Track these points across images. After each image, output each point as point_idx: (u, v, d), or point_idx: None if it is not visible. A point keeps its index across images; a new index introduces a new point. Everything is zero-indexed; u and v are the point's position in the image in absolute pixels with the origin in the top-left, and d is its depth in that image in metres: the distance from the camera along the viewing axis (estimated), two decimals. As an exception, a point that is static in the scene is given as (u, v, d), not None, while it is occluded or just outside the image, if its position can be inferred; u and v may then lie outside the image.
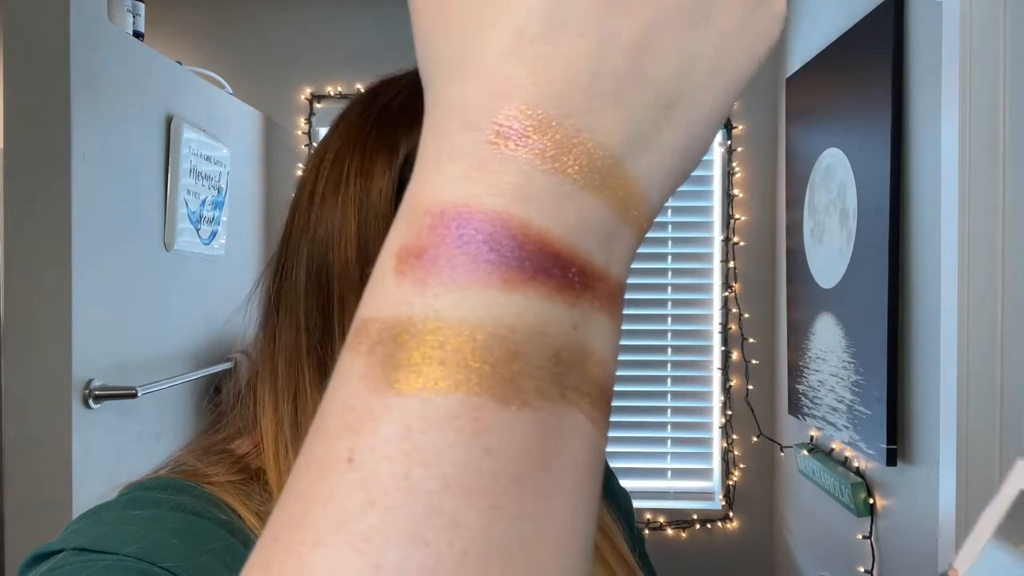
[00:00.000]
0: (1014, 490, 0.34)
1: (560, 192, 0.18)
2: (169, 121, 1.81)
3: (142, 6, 1.86)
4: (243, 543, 0.43)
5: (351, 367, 0.18)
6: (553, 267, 0.18)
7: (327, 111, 2.48)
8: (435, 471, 0.17)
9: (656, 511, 2.47)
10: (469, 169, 0.19)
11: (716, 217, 2.48)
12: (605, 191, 0.19)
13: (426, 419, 0.17)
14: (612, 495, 0.67)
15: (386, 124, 0.51)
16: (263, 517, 0.44)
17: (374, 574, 0.16)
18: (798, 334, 2.13)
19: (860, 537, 1.73)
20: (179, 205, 1.85)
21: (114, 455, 1.57)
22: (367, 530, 0.17)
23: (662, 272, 2.49)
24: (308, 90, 2.47)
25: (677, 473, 2.53)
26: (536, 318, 0.18)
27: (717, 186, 2.47)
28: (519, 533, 0.17)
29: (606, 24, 0.19)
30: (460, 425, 0.17)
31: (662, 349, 2.51)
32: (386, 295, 0.19)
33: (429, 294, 0.18)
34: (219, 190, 2.06)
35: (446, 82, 0.20)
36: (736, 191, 2.45)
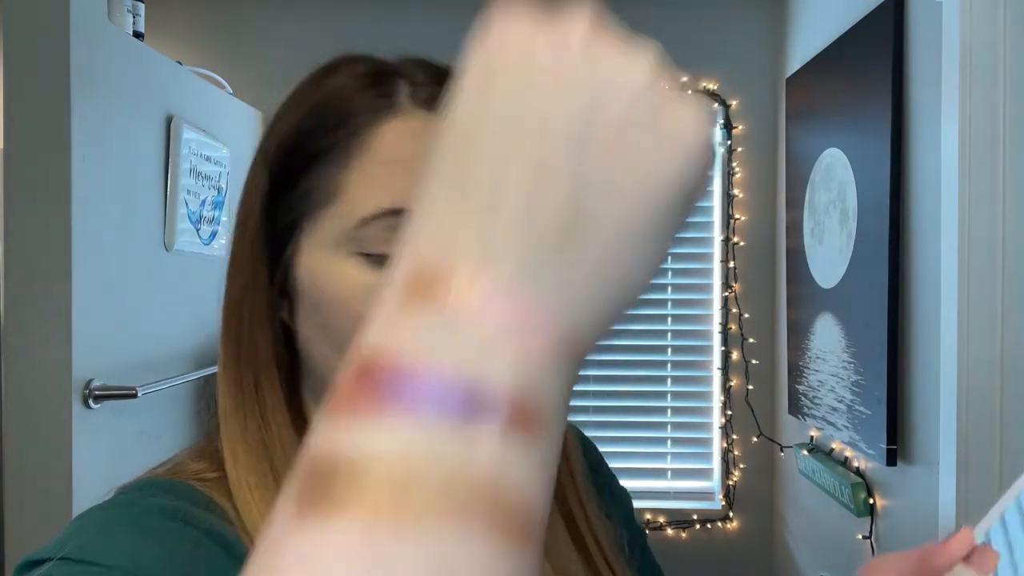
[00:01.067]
0: None
1: (451, 327, 0.20)
2: (169, 121, 1.81)
3: (142, 6, 1.86)
4: (223, 545, 0.44)
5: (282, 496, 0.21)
6: (448, 398, 0.20)
7: (327, 111, 2.48)
8: None
9: (656, 511, 2.47)
10: (382, 321, 0.21)
11: (716, 217, 2.48)
12: (501, 318, 0.21)
13: (320, 544, 0.19)
14: (611, 495, 0.67)
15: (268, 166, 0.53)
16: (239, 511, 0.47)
17: None
18: (798, 334, 2.13)
19: (860, 537, 1.73)
20: (179, 205, 1.85)
21: (114, 455, 1.57)
22: None
23: (662, 272, 2.49)
24: (308, 90, 2.47)
25: (677, 473, 2.53)
26: (431, 446, 0.19)
27: (717, 186, 2.47)
28: None
29: (499, 170, 0.22)
30: (351, 551, 0.18)
31: (662, 349, 2.51)
32: (330, 434, 0.21)
33: (347, 433, 0.20)
34: (219, 190, 2.06)
35: (421, 240, 0.23)
36: (736, 191, 2.45)
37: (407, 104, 0.49)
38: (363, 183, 0.47)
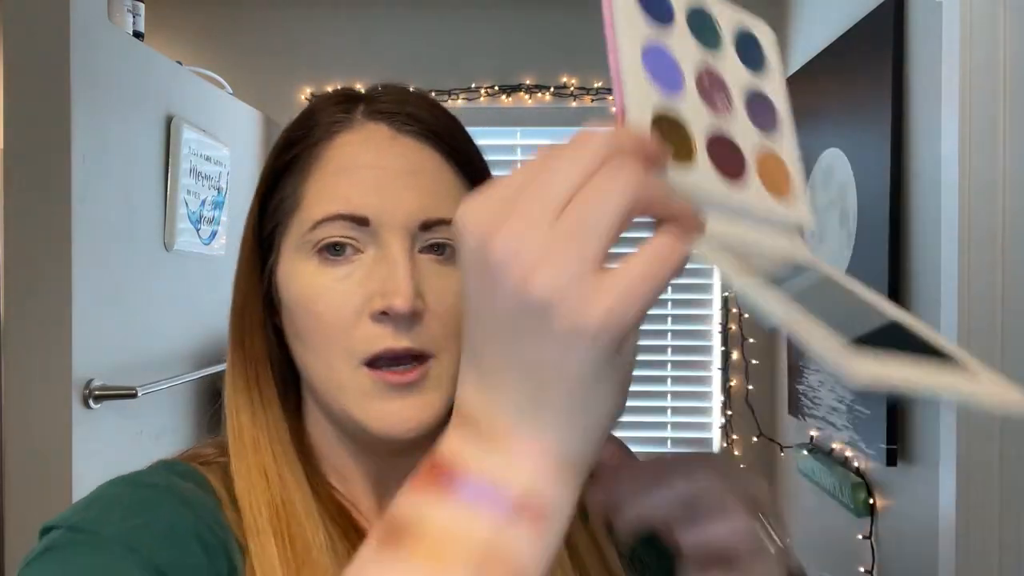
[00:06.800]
0: None
1: (489, 450, 0.31)
2: (169, 121, 1.81)
3: (142, 6, 1.86)
4: (209, 525, 0.50)
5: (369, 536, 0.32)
6: (483, 494, 0.30)
7: (327, 111, 2.48)
8: None
9: (656, 511, 2.47)
10: (451, 439, 0.33)
11: (716, 217, 2.48)
12: (519, 447, 0.31)
13: (389, 572, 0.30)
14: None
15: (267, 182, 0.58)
16: (229, 491, 0.53)
17: None
18: (798, 334, 2.12)
19: (860, 537, 1.73)
20: (179, 205, 1.85)
21: (114, 455, 1.57)
22: None
23: (662, 272, 2.49)
24: (308, 90, 2.47)
25: (677, 473, 2.52)
26: (481, 527, 0.30)
27: (717, 186, 2.47)
28: None
29: (502, 363, 0.31)
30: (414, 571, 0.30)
31: (662, 349, 2.51)
32: (410, 502, 0.32)
33: (425, 508, 0.31)
34: (219, 190, 2.06)
35: (462, 396, 0.33)
36: (736, 191, 2.45)
37: (359, 118, 0.55)
38: (317, 191, 0.53)
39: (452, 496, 0.30)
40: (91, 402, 1.48)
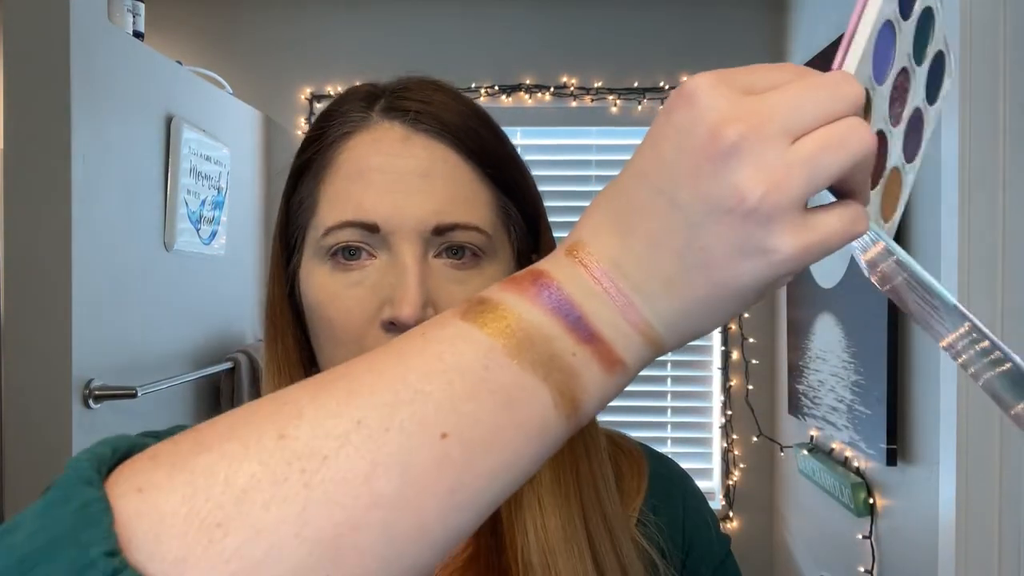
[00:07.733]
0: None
1: (577, 274, 0.32)
2: (169, 121, 1.81)
3: (142, 6, 1.86)
4: None
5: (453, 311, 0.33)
6: (570, 318, 0.31)
7: (327, 111, 2.47)
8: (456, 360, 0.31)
9: (656, 511, 2.46)
10: (557, 262, 0.33)
11: (716, 217, 2.48)
12: (605, 288, 0.32)
13: (464, 337, 0.31)
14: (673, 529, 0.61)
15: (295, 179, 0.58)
16: None
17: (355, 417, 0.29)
18: (798, 334, 2.12)
19: (860, 537, 1.73)
20: (179, 205, 1.85)
21: (114, 455, 1.57)
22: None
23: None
24: (308, 90, 2.47)
25: (677, 473, 2.52)
26: (552, 334, 0.31)
27: (717, 186, 2.47)
28: (476, 427, 0.29)
29: (642, 216, 0.32)
30: (484, 350, 0.30)
31: (662, 349, 2.51)
32: (491, 290, 0.33)
33: (506, 296, 0.32)
34: (219, 190, 2.06)
35: (583, 226, 0.34)
36: (736, 191, 2.44)
37: (375, 116, 0.53)
38: (330, 196, 0.53)
39: (535, 298, 0.31)
40: (91, 402, 1.48)
